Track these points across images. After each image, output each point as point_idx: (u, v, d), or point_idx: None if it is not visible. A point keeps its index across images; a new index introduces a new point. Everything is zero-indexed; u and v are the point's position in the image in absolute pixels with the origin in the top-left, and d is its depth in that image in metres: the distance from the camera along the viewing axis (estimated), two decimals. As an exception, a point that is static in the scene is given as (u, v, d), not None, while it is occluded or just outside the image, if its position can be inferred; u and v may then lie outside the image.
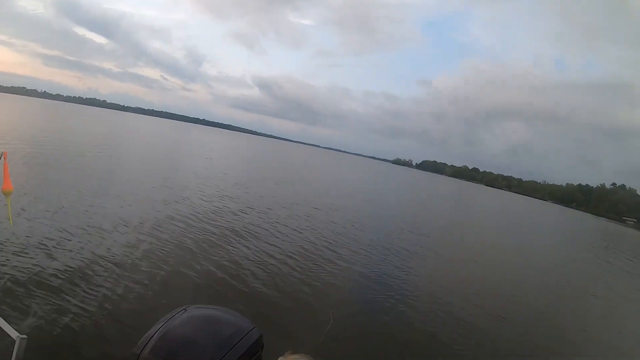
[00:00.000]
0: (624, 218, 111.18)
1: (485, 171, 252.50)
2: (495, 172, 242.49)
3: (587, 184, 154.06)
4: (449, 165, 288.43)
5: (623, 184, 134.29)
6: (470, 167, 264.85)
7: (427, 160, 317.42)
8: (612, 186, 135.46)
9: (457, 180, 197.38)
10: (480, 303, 6.57)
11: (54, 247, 5.20)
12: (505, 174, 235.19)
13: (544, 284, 9.41)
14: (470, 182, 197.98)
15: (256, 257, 6.47)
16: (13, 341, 1.31)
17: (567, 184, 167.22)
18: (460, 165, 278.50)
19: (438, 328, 5.18)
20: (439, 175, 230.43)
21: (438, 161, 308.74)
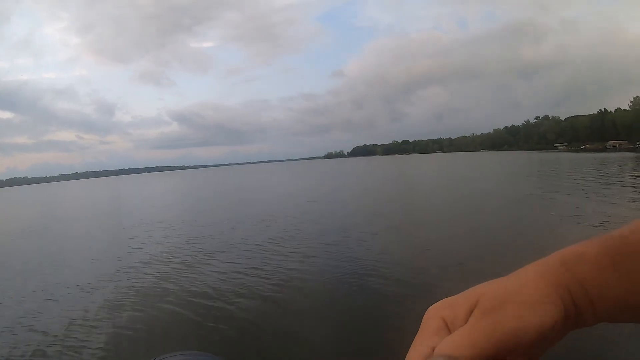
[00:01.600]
0: (555, 145, 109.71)
1: (415, 140, 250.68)
2: (426, 139, 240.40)
3: (512, 125, 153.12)
4: (379, 144, 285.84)
5: (546, 115, 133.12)
6: (400, 141, 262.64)
7: (358, 146, 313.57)
8: (536, 120, 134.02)
9: (390, 156, 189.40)
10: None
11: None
12: (436, 137, 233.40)
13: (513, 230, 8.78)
14: (403, 155, 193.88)
15: (215, 285, 6.10)
16: None
17: (494, 129, 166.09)
18: (391, 142, 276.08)
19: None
20: (372, 157, 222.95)
21: (368, 144, 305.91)
